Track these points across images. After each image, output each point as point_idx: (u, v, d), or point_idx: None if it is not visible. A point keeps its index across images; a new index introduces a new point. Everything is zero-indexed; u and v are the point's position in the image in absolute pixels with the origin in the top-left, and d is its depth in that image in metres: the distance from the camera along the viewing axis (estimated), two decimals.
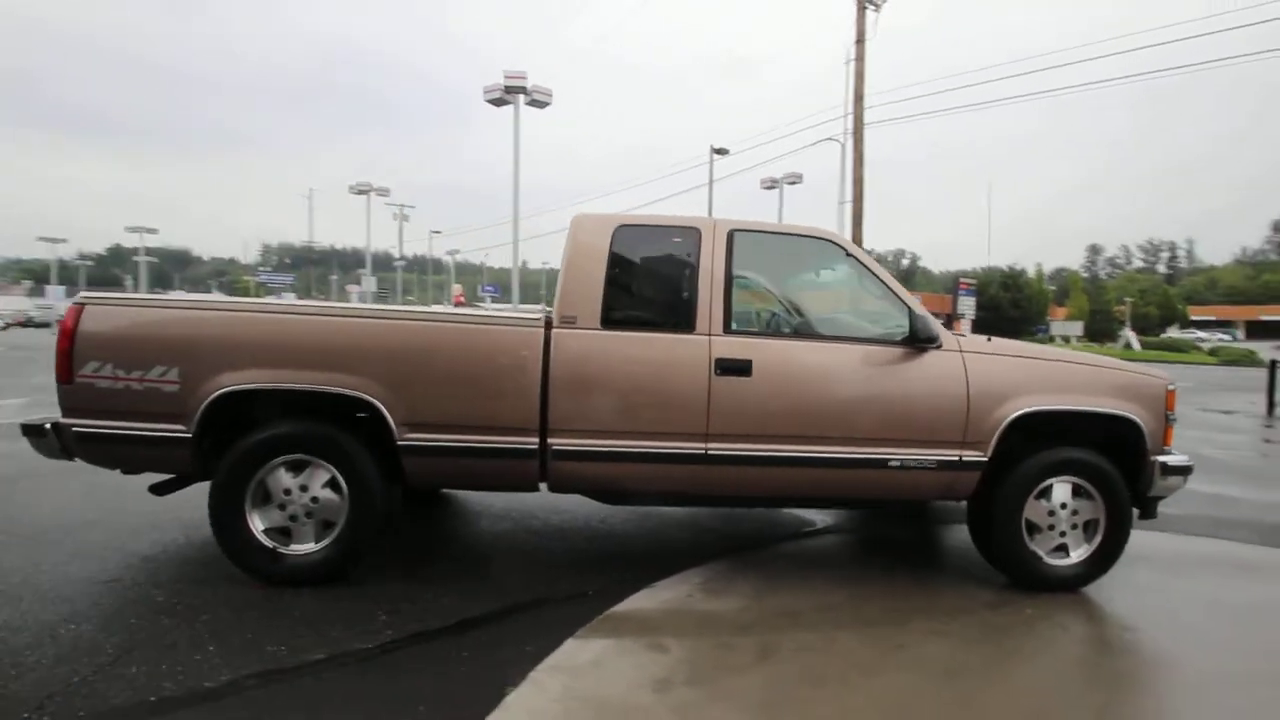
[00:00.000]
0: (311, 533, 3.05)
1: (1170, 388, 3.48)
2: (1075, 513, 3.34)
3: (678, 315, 3.23)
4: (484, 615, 2.82)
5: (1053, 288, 46.56)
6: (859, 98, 18.46)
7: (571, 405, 3.08)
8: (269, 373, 2.97)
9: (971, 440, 3.23)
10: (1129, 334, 36.72)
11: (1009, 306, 35.59)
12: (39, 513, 4.04)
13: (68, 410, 2.99)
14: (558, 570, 3.42)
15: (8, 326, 35.64)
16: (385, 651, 2.49)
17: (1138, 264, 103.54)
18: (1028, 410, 3.24)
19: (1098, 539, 3.36)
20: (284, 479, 3.02)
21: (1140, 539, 3.41)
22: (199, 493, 3.32)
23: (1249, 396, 12.97)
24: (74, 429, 2.98)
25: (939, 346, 3.25)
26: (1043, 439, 3.34)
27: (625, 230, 3.31)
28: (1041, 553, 3.33)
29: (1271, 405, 10.80)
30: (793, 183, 28.13)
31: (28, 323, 39.15)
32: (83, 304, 3.01)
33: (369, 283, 46.06)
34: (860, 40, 18.34)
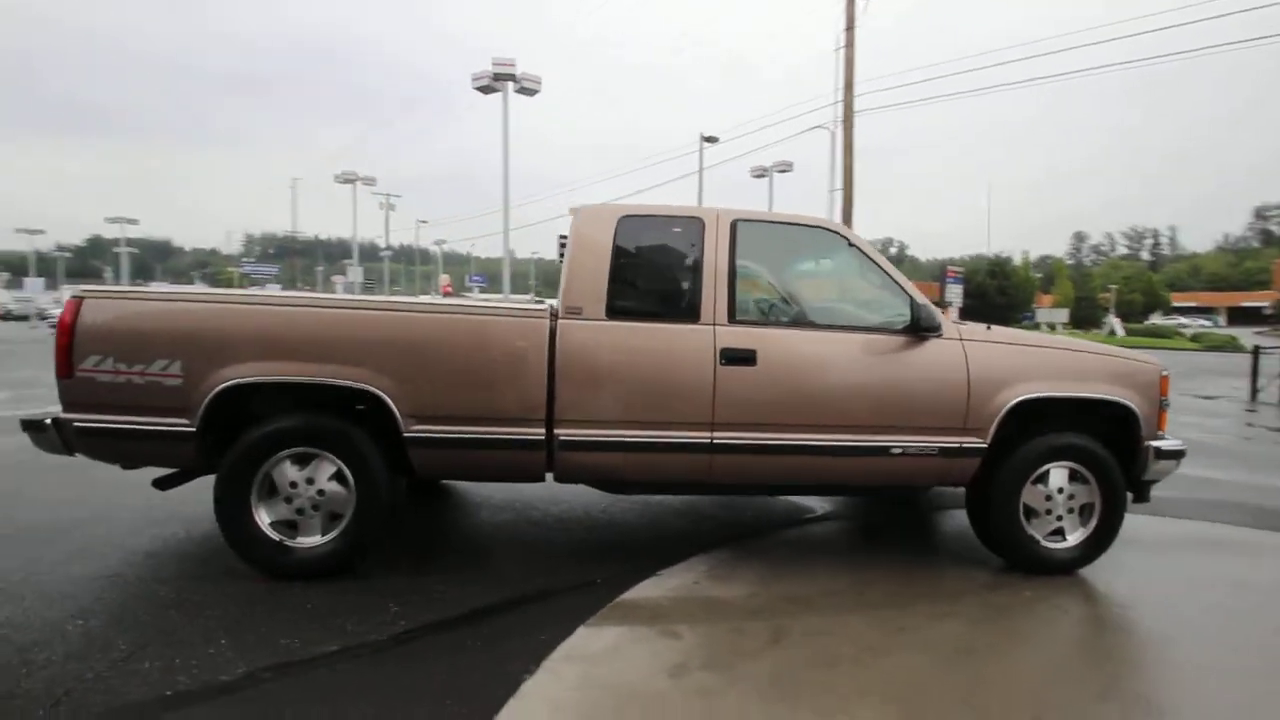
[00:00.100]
0: (318, 525, 3.04)
1: (1163, 374, 3.54)
2: (1071, 497, 3.40)
3: (682, 305, 3.24)
4: (494, 605, 2.84)
5: (1039, 275, 46.95)
6: (848, 85, 18.45)
7: (578, 396, 3.09)
8: (273, 365, 2.95)
9: (972, 427, 3.28)
10: (1114, 320, 37.19)
11: (996, 294, 35.85)
12: (33, 509, 3.99)
13: (68, 405, 2.96)
14: (562, 560, 3.44)
15: None
16: (399, 643, 2.50)
17: (1122, 251, 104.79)
18: (1026, 397, 3.29)
19: (1093, 522, 3.42)
20: (290, 472, 3.01)
21: (1132, 521, 3.49)
22: (195, 487, 3.33)
23: (1232, 381, 13.20)
24: (75, 424, 2.95)
25: (940, 335, 3.29)
26: (1040, 425, 3.40)
27: (629, 221, 3.31)
28: (1039, 536, 3.40)
29: (1255, 390, 11.00)
30: (783, 171, 28.12)
31: (6, 315, 38.45)
32: (81, 297, 2.97)
33: (355, 273, 45.54)
34: (850, 28, 18.31)
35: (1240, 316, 57.04)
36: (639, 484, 3.34)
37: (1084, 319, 42.04)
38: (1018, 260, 43.46)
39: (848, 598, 3.06)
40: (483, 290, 48.76)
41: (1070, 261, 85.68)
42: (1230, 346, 26.62)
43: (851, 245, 3.42)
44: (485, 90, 19.43)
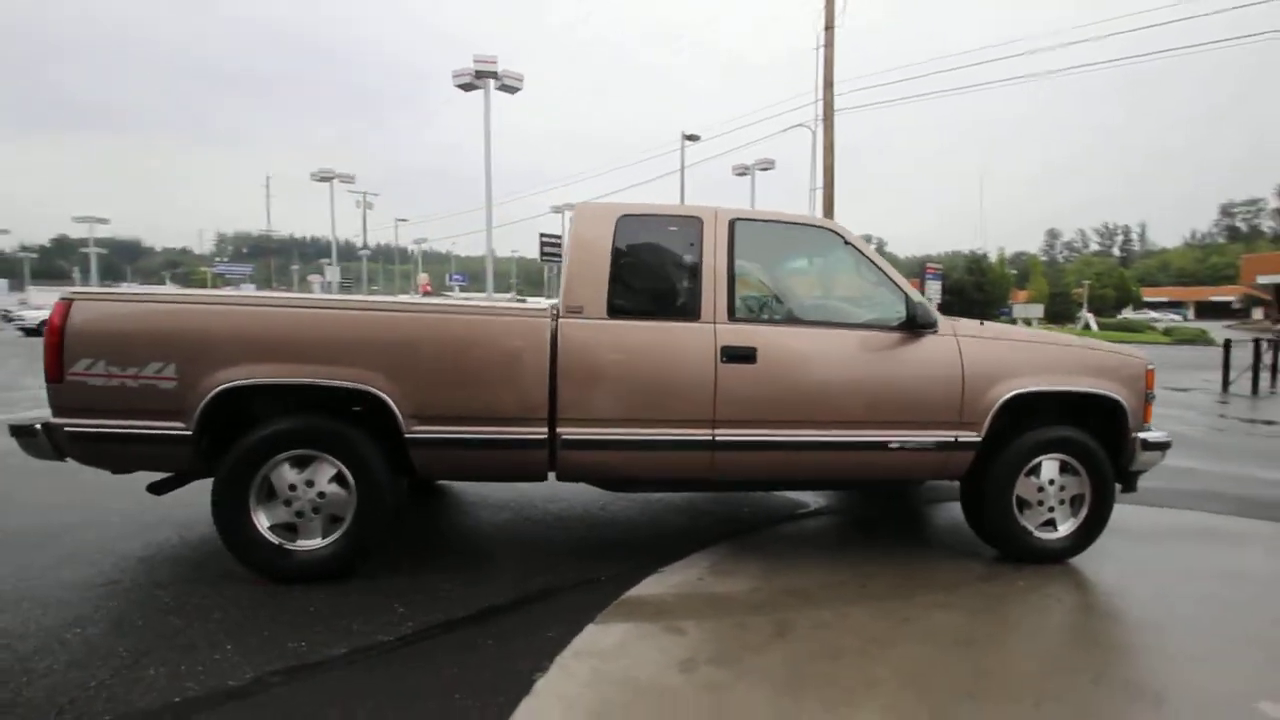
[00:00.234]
0: (319, 528, 3.02)
1: (1149, 367, 3.64)
2: (1063, 488, 3.48)
3: (683, 304, 3.26)
4: (500, 604, 2.84)
5: (1014, 271, 47.77)
6: (829, 84, 18.60)
7: (580, 395, 3.09)
8: (270, 367, 2.91)
9: (966, 421, 3.34)
10: (1087, 315, 37.96)
11: (973, 290, 36.39)
12: (19, 513, 3.91)
13: (59, 410, 2.90)
14: (564, 558, 3.44)
15: None
16: (407, 643, 2.49)
17: (1094, 247, 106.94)
18: (1019, 391, 3.36)
19: (1083, 513, 3.51)
20: (289, 475, 2.97)
21: (1118, 512, 3.57)
22: (186, 490, 3.27)
23: (1204, 374, 13.56)
24: (66, 429, 2.89)
25: (935, 331, 3.35)
26: (1031, 419, 3.47)
27: (628, 220, 3.32)
28: (1031, 527, 3.48)
29: (1226, 383, 11.32)
30: (765, 169, 28.24)
31: None
32: (70, 299, 2.91)
33: (333, 272, 44.86)
34: (829, 27, 18.45)
35: (1208, 310, 58.56)
36: (641, 482, 3.36)
37: (1058, 314, 42.85)
38: (994, 257, 44.17)
39: (848, 590, 3.10)
40: (463, 289, 48.39)
41: (1044, 258, 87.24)
42: (1201, 340, 27.32)
43: (848, 243, 3.46)
44: (466, 88, 19.25)
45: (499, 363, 3.05)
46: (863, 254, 3.46)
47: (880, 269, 3.44)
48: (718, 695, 2.20)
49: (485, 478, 3.53)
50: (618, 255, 3.24)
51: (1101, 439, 3.51)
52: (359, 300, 3.19)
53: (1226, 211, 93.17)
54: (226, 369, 2.88)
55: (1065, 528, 3.51)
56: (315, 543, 3.01)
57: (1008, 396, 3.34)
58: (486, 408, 3.05)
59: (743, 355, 3.18)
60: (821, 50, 18.61)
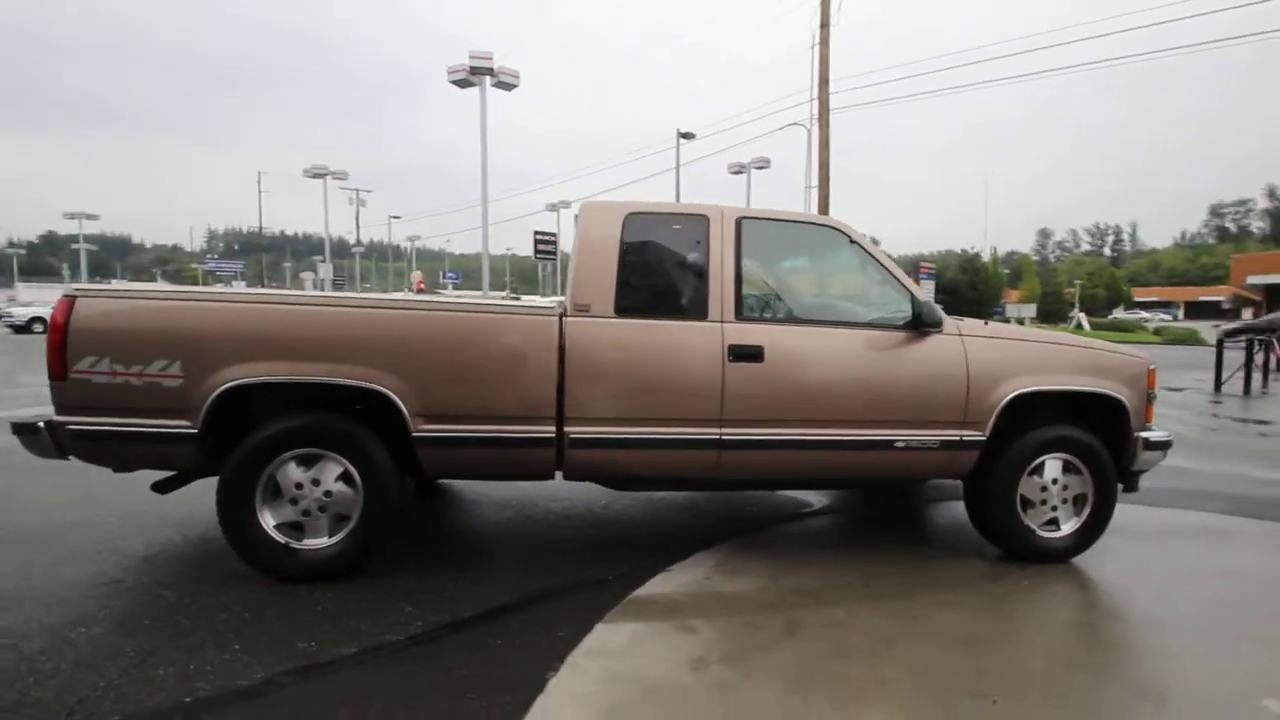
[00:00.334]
0: (325, 527, 3.00)
1: (1151, 367, 3.67)
2: (1065, 488, 3.51)
3: (690, 303, 3.26)
4: (508, 604, 2.83)
5: (1006, 271, 48.05)
6: (824, 82, 18.63)
7: (587, 393, 3.09)
8: (277, 365, 2.89)
9: (971, 420, 3.35)
10: (1080, 315, 38.23)
11: (966, 289, 36.64)
12: (17, 512, 3.88)
13: (62, 407, 2.88)
14: (569, 557, 3.44)
15: None
16: (418, 643, 2.48)
17: (1085, 247, 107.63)
18: (1023, 390, 3.38)
19: (1086, 512, 3.53)
20: (295, 473, 2.96)
21: (1118, 511, 3.59)
22: (186, 489, 3.25)
23: (1195, 374, 13.68)
24: (69, 427, 2.87)
25: (941, 330, 3.36)
26: (1034, 418, 3.49)
27: (635, 218, 3.31)
28: (1034, 526, 3.50)
29: (1219, 382, 11.42)
30: (760, 168, 28.25)
31: None
32: (74, 296, 2.88)
33: (325, 270, 44.59)
34: (825, 25, 18.48)
35: (1197, 311, 59.01)
36: (647, 481, 3.36)
37: (1050, 313, 43.16)
38: (987, 257, 44.43)
39: (855, 590, 3.11)
40: (456, 287, 48.25)
41: (1036, 258, 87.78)
42: (1192, 339, 27.54)
43: (853, 242, 3.47)
44: (462, 84, 19.16)
45: (507, 361, 3.04)
46: (868, 253, 3.46)
47: (886, 268, 3.45)
48: (730, 694, 2.21)
49: (491, 476, 3.52)
50: (625, 254, 3.24)
51: (1103, 438, 3.53)
52: (366, 298, 3.17)
53: (1216, 212, 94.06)
54: (232, 367, 2.86)
55: (1068, 527, 3.54)
56: (322, 542, 2.99)
57: (1012, 396, 3.36)
58: (494, 406, 3.04)
59: (750, 354, 3.18)
60: (817, 49, 18.66)
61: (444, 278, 52.95)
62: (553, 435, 3.08)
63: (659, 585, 3.07)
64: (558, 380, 3.07)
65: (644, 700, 2.15)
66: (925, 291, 3.12)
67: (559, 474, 3.23)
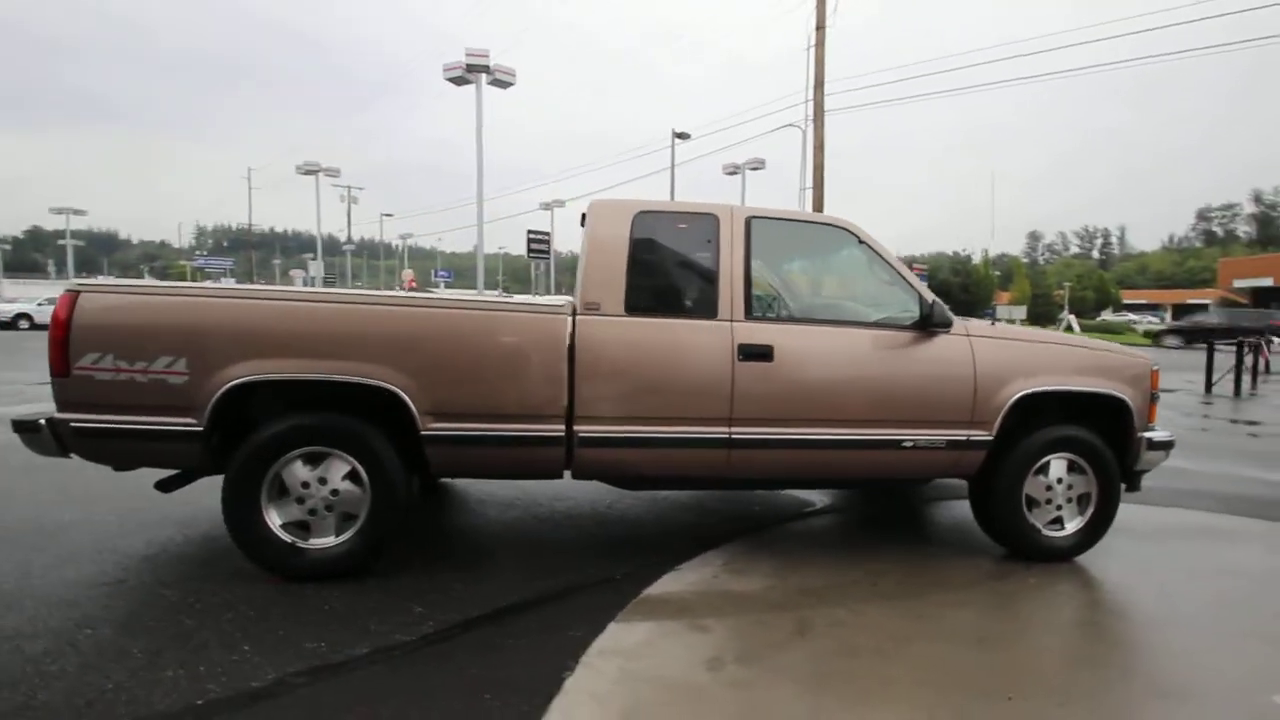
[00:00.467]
0: (332, 526, 2.97)
1: (1154, 368, 3.70)
2: (1070, 487, 3.52)
3: (700, 301, 3.25)
4: (518, 603, 2.81)
5: (997, 273, 48.40)
6: (819, 84, 18.69)
7: (597, 392, 3.07)
8: (284, 362, 2.86)
9: (978, 420, 3.36)
10: (1070, 317, 38.52)
11: (958, 291, 36.90)
12: (13, 511, 3.82)
13: (64, 404, 2.83)
14: (577, 556, 3.42)
15: None
16: (429, 643, 2.46)
17: (1074, 250, 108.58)
18: (1029, 391, 3.39)
19: (1090, 511, 3.56)
20: (301, 472, 2.93)
21: (1120, 510, 3.62)
22: (186, 488, 3.21)
23: (1186, 375, 13.81)
24: (72, 424, 2.82)
25: (949, 331, 3.37)
26: (1039, 418, 3.51)
27: (644, 217, 3.30)
28: (1039, 525, 3.51)
29: (1209, 383, 11.54)
30: (755, 168, 28.31)
31: None
32: (77, 291, 2.84)
33: (316, 267, 44.28)
34: (820, 27, 18.55)
35: (1185, 313, 59.45)
36: (656, 480, 3.35)
37: (1040, 315, 43.49)
38: (986, 257, 44.78)
39: (862, 588, 3.11)
40: (448, 285, 48.06)
41: (1026, 260, 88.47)
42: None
43: (862, 242, 3.47)
44: (458, 82, 19.07)
45: (516, 359, 3.02)
46: (876, 252, 3.47)
47: (894, 268, 3.45)
48: (746, 693, 2.20)
49: (500, 475, 3.50)
50: (634, 252, 3.23)
51: (1106, 438, 3.55)
52: (374, 295, 3.14)
53: (1203, 216, 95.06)
54: (239, 364, 2.82)
55: (1072, 526, 3.56)
56: (329, 541, 2.96)
57: (1018, 396, 3.38)
58: (503, 404, 3.02)
59: (759, 354, 3.18)
60: (812, 50, 18.72)
61: (436, 276, 52.73)
62: (562, 434, 3.07)
63: (669, 584, 3.06)
64: (568, 379, 3.05)
65: (662, 700, 2.14)
66: None
67: (567, 473, 3.22)
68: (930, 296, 3.36)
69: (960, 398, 3.33)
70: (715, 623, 2.68)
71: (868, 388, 3.28)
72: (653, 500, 4.42)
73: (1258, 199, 78.34)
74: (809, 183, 19.04)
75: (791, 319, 3.41)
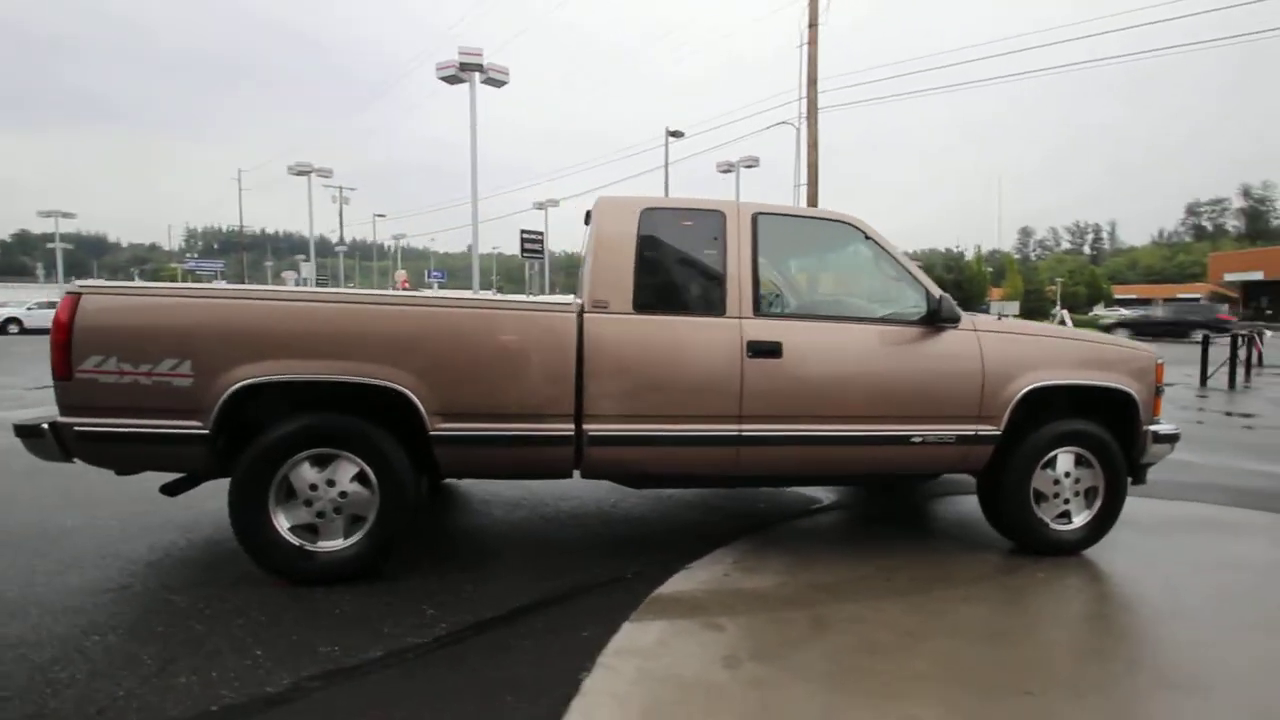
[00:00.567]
0: (340, 528, 2.94)
1: (1159, 361, 3.71)
2: (1077, 481, 3.53)
3: (708, 298, 3.24)
4: (530, 604, 2.79)
5: (990, 269, 48.60)
6: (812, 82, 18.68)
7: (606, 390, 3.06)
8: (290, 363, 2.83)
9: (986, 415, 3.36)
10: (1062, 312, 38.73)
11: (952, 287, 36.92)
12: (11, 519, 3.77)
13: (67, 408, 2.79)
14: (585, 556, 3.41)
15: None
16: (443, 645, 2.44)
17: (1065, 246, 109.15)
18: (1037, 385, 3.40)
19: (1097, 505, 3.56)
20: (309, 474, 2.90)
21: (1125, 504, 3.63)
22: (187, 492, 3.17)
23: (1181, 369, 13.88)
24: (75, 428, 2.78)
25: (957, 326, 3.37)
26: (1046, 412, 3.51)
27: (651, 214, 3.28)
28: (1047, 519, 3.52)
29: (1204, 377, 11.62)
30: (749, 166, 28.30)
31: None
32: (79, 293, 2.80)
33: (308, 268, 44.02)
34: (813, 25, 18.55)
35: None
36: (665, 478, 3.33)
37: (1033, 311, 43.71)
38: (970, 255, 44.97)
39: (875, 584, 3.11)
40: (441, 285, 47.88)
41: (1017, 256, 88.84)
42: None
43: (868, 238, 3.47)
44: (451, 81, 18.97)
45: (525, 358, 3.00)
46: (883, 248, 3.46)
47: (900, 263, 3.45)
48: (766, 692, 2.19)
49: (509, 475, 3.48)
50: (642, 250, 3.21)
51: (1112, 431, 3.56)
52: (381, 295, 3.11)
53: (1192, 211, 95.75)
54: (245, 365, 2.79)
55: (1080, 520, 3.56)
56: (337, 543, 2.93)
57: (1026, 390, 3.38)
58: (512, 404, 2.99)
59: (768, 350, 3.17)
60: (805, 48, 18.72)
61: (429, 277, 52.54)
62: (571, 433, 3.05)
63: (680, 583, 3.05)
64: (576, 377, 3.03)
65: (682, 699, 2.13)
66: None
67: (575, 473, 3.20)
68: (938, 291, 3.36)
69: (968, 393, 3.33)
70: (729, 621, 2.67)
71: (876, 384, 3.27)
72: (657, 498, 4.41)
73: (1246, 193, 79.04)
74: (803, 180, 19.06)
75: (800, 315, 3.40)
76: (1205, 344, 11.95)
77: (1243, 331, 12.76)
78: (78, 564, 3.14)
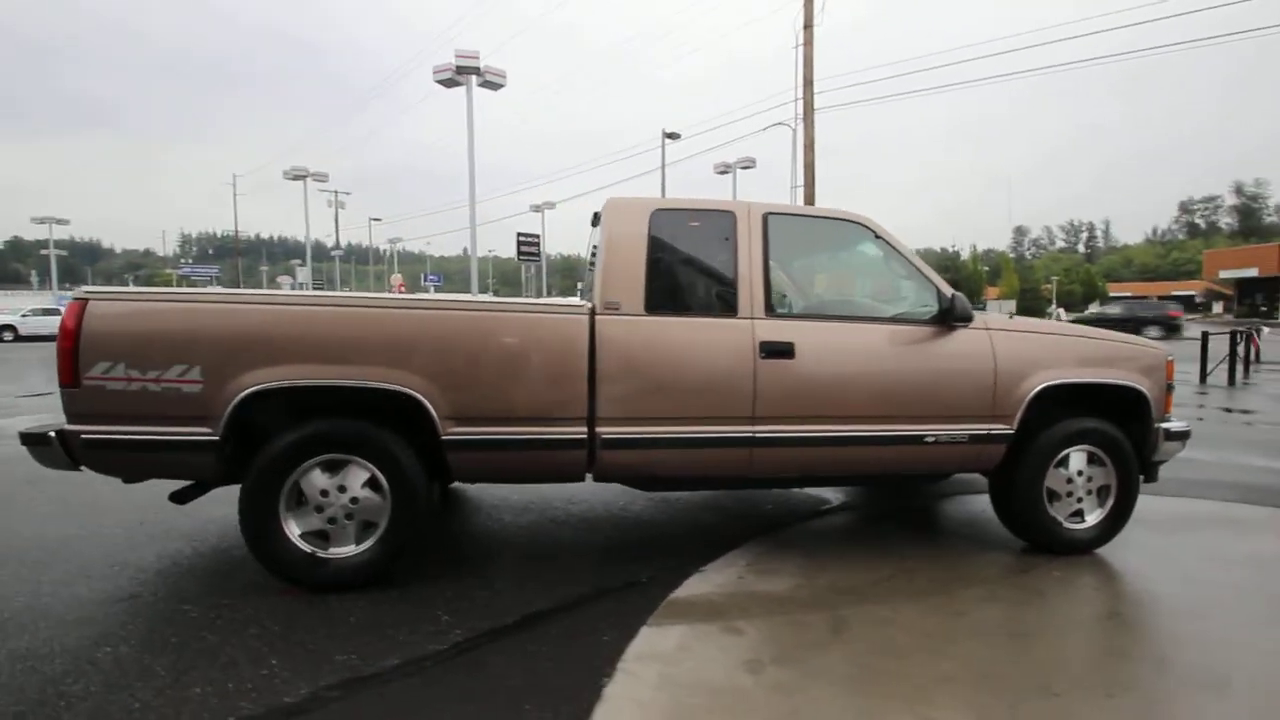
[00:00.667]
0: (352, 534, 2.91)
1: (1169, 358, 3.70)
2: (1090, 479, 3.52)
3: (720, 299, 3.22)
4: (546, 609, 2.76)
5: (986, 268, 48.75)
6: (808, 83, 18.69)
7: (619, 393, 3.03)
8: (301, 368, 2.80)
9: (999, 414, 3.35)
10: (1059, 310, 38.89)
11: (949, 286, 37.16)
12: (15, 529, 3.72)
13: (74, 416, 2.75)
14: (597, 560, 3.38)
15: None
16: (461, 652, 2.41)
17: (1060, 244, 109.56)
18: (1049, 383, 3.38)
19: (1110, 503, 3.55)
20: (320, 480, 2.87)
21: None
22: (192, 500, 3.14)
23: (1179, 366, 13.93)
24: (83, 436, 2.75)
25: (969, 324, 3.36)
26: (1056, 410, 3.49)
27: (661, 214, 3.26)
28: (1060, 518, 3.50)
29: (1204, 374, 11.65)
30: (746, 167, 28.34)
31: None
32: (85, 299, 2.76)
33: (304, 273, 43.87)
34: (808, 26, 18.57)
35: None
36: (677, 481, 3.31)
37: (1029, 309, 43.86)
38: (966, 255, 45.09)
39: (893, 586, 3.09)
40: (438, 289, 47.78)
41: (1012, 255, 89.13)
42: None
43: (878, 237, 3.45)
44: (448, 84, 18.95)
45: (537, 361, 2.97)
46: (893, 247, 3.45)
47: (911, 262, 3.43)
48: (791, 697, 2.16)
49: (521, 479, 3.45)
50: (653, 251, 3.19)
51: (1124, 429, 3.55)
52: (393, 298, 3.08)
53: (1186, 209, 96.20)
54: (256, 370, 2.76)
55: (1093, 518, 3.55)
56: (349, 550, 2.90)
57: (1039, 389, 3.36)
58: (524, 407, 2.97)
59: (781, 351, 3.15)
60: (801, 49, 18.74)
61: (425, 280, 52.45)
62: (584, 436, 3.02)
63: (696, 586, 3.02)
64: (589, 380, 3.01)
65: (706, 705, 2.10)
66: None
67: (588, 476, 3.17)
68: (949, 290, 3.34)
69: (981, 391, 3.32)
70: (748, 624, 2.65)
71: (889, 383, 3.26)
72: (665, 501, 4.38)
73: (1239, 190, 79.40)
74: (800, 181, 19.07)
75: (812, 315, 3.38)
76: (1205, 341, 11.98)
77: (1241, 329, 12.80)
78: (85, 574, 3.10)
